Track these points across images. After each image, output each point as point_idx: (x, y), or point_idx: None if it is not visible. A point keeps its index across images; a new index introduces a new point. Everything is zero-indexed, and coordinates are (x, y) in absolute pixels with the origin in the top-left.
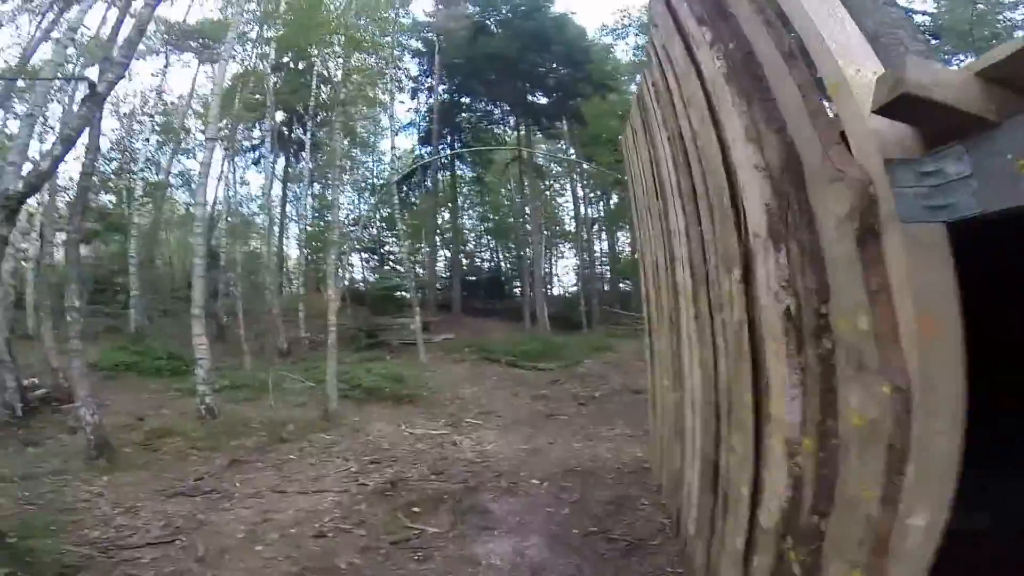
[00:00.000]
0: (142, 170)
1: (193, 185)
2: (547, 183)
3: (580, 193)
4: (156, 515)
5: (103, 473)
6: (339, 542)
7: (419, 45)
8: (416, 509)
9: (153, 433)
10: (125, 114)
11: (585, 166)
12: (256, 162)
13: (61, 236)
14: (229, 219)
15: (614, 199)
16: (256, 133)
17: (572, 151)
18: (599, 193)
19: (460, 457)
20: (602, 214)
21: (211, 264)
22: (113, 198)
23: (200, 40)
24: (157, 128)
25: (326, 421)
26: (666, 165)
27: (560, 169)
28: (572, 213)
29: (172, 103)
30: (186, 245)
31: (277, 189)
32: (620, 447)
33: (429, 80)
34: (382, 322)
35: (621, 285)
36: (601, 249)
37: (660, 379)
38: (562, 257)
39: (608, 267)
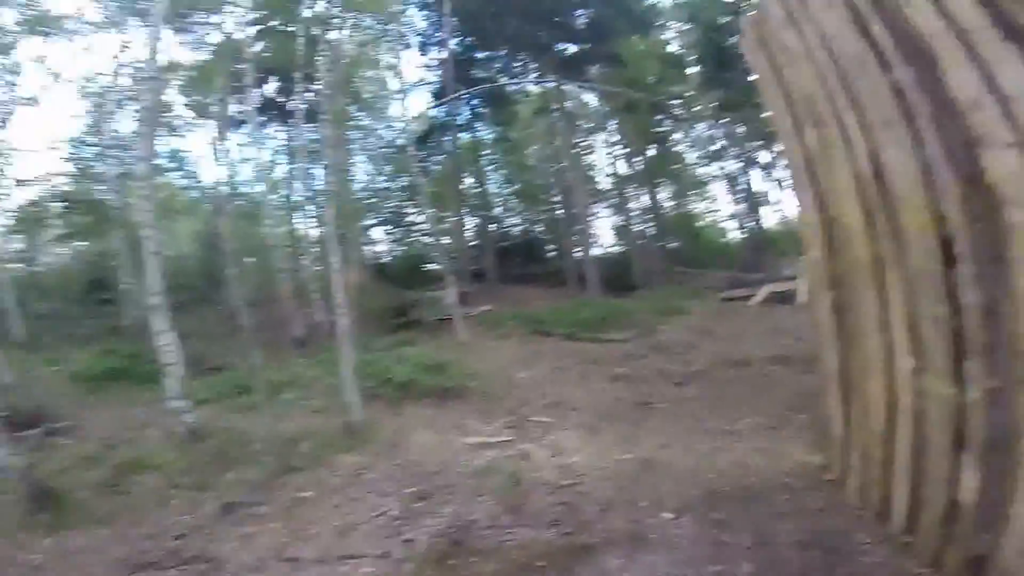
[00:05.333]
0: (124, 155)
1: (186, 166)
2: (579, 134)
3: (612, 151)
4: None
5: (47, 534)
6: None
7: None
8: None
9: (123, 467)
10: (95, 92)
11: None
12: (248, 136)
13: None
14: (235, 201)
15: (651, 152)
16: (245, 107)
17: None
18: (631, 148)
19: (539, 478)
20: (637, 169)
21: (212, 249)
22: (96, 186)
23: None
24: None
25: (350, 436)
26: None
27: (589, 124)
28: (604, 170)
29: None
30: (188, 234)
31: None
32: (770, 448)
33: (438, 33)
34: (412, 297)
35: (666, 243)
36: (642, 206)
37: (874, 354)
38: (596, 216)
39: (653, 224)
